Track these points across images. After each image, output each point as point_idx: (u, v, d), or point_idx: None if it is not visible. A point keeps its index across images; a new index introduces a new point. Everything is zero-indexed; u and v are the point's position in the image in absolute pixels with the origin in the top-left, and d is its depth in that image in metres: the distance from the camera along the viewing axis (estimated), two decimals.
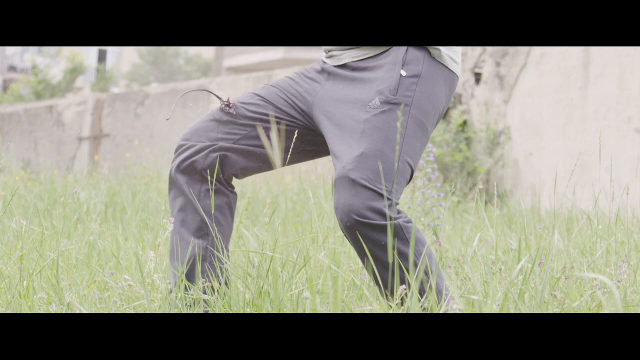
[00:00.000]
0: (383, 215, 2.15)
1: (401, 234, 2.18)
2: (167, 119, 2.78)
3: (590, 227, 3.24)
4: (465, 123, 7.88)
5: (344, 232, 2.19)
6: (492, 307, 1.99)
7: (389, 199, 2.17)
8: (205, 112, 11.25)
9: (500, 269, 2.53)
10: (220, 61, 22.55)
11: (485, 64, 7.90)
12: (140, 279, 2.41)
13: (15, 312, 2.26)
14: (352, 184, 2.17)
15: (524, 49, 7.53)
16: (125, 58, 41.36)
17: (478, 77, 7.99)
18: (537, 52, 7.40)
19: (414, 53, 2.33)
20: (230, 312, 2.21)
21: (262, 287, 2.10)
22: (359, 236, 2.14)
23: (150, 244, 3.57)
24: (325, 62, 2.42)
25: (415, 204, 4.05)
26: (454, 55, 2.41)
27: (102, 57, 40.42)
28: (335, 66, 2.39)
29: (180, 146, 2.38)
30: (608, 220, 3.58)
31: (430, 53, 2.34)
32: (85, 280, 2.66)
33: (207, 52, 40.26)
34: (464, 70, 8.02)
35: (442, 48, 2.36)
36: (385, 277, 2.16)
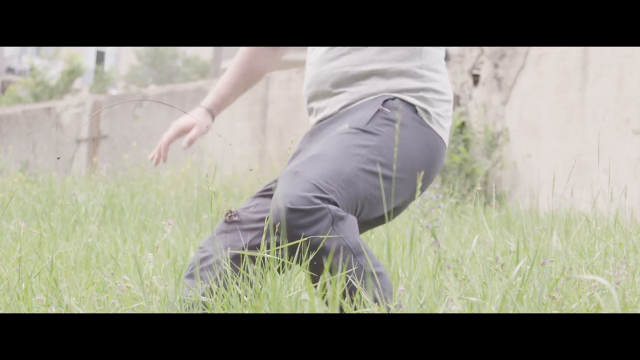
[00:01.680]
0: (315, 203, 2.09)
1: (330, 226, 2.10)
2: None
3: (589, 229, 3.24)
4: (463, 124, 7.89)
5: (273, 231, 2.11)
6: (491, 309, 1.99)
7: (324, 192, 2.11)
8: None
9: (503, 265, 2.54)
10: (218, 63, 22.56)
11: (483, 65, 7.91)
12: (139, 281, 2.41)
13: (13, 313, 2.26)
14: (293, 176, 2.15)
15: (522, 50, 7.53)
16: (123, 60, 41.35)
17: (476, 79, 8.00)
18: (535, 53, 7.40)
19: (397, 103, 2.31)
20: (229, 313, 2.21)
21: (261, 289, 2.10)
22: (288, 228, 2.08)
23: (148, 245, 3.56)
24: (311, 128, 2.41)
25: (414, 205, 4.05)
26: (442, 121, 2.37)
27: (100, 59, 40.42)
28: (318, 121, 2.40)
29: (198, 257, 2.30)
30: (606, 221, 3.59)
31: (416, 110, 2.31)
32: (84, 282, 2.66)
33: (205, 54, 40.26)
34: (462, 72, 8.02)
35: (430, 109, 2.33)
36: (317, 278, 2.11)
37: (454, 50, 8.07)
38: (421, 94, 2.35)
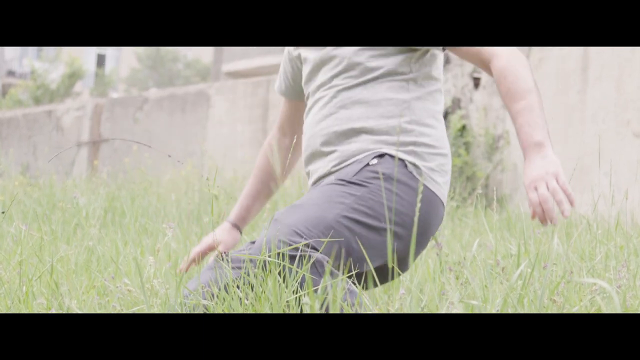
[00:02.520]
0: (296, 249, 2.08)
1: (314, 270, 2.09)
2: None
3: (590, 232, 3.24)
4: (463, 127, 7.88)
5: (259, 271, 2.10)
6: (492, 312, 1.99)
7: (305, 238, 2.09)
8: (205, 117, 11.26)
9: (503, 269, 2.53)
10: (219, 65, 22.56)
11: None
12: (140, 284, 2.41)
13: None
14: (274, 223, 2.15)
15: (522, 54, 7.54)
16: (123, 62, 41.36)
17: (477, 82, 8.00)
18: (536, 56, 7.40)
19: (387, 160, 2.28)
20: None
21: (262, 292, 2.10)
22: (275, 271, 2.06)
23: (149, 248, 3.56)
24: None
25: None
26: (436, 175, 2.33)
27: (100, 62, 40.43)
28: (313, 182, 2.41)
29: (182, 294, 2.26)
30: (607, 224, 3.59)
31: (406, 165, 2.29)
32: (84, 285, 2.66)
33: (205, 57, 40.28)
34: (463, 75, 8.02)
35: (420, 163, 2.31)
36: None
37: None
38: (411, 147, 2.31)
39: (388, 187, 2.24)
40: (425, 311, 2.30)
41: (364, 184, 2.24)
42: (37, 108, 14.26)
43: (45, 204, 5.63)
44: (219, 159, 10.53)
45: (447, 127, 7.93)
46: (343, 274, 2.14)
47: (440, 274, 2.69)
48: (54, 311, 2.26)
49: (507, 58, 2.24)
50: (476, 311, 1.95)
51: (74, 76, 27.41)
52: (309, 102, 2.49)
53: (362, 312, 2.08)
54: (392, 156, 2.29)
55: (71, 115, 13.13)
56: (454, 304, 1.93)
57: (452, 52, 2.36)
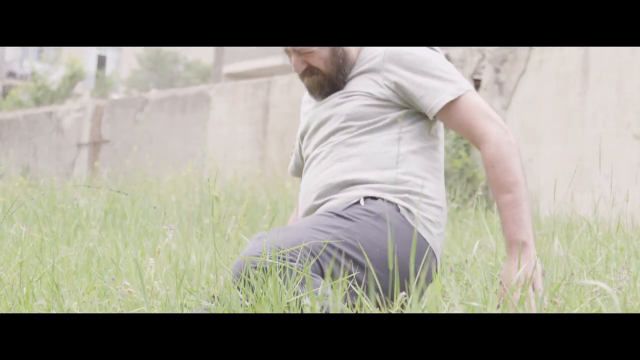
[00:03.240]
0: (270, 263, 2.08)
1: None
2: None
3: (590, 234, 3.24)
4: None
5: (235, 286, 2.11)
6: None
7: (282, 252, 2.10)
8: (205, 118, 11.26)
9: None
10: (220, 67, 22.56)
11: (485, 70, 7.91)
12: (140, 286, 2.41)
13: None
14: (256, 240, 2.16)
15: (523, 55, 7.53)
16: (124, 64, 41.37)
17: (477, 84, 8.00)
18: (536, 58, 7.40)
19: (380, 202, 2.28)
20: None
21: (262, 294, 2.10)
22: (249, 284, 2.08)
23: (149, 250, 3.56)
24: None
25: None
26: (430, 225, 2.32)
27: (101, 63, 40.43)
28: None
29: None
30: (607, 226, 3.58)
31: (398, 209, 2.28)
32: (85, 286, 2.66)
33: (206, 58, 40.28)
34: (464, 77, 8.05)
35: (414, 209, 2.29)
36: None
37: (455, 55, 8.07)
38: (405, 195, 2.31)
39: (377, 226, 2.23)
40: (426, 312, 2.29)
41: (352, 218, 2.24)
42: (38, 109, 14.27)
43: (45, 205, 5.63)
44: (219, 160, 10.53)
45: (448, 129, 7.93)
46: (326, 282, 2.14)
47: (440, 276, 2.69)
48: (54, 312, 2.26)
49: (497, 146, 2.28)
50: (476, 313, 1.95)
51: (74, 77, 27.41)
52: (306, 162, 2.49)
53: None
54: (385, 200, 2.29)
55: (72, 117, 13.13)
56: (454, 306, 1.93)
57: (443, 121, 2.39)
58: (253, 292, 2.09)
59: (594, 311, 2.19)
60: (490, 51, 7.75)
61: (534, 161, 7.40)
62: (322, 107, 2.45)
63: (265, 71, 20.54)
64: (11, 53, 37.43)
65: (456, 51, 8.08)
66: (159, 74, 39.95)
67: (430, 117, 2.36)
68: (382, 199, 2.29)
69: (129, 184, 7.77)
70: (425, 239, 2.30)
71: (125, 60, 41.51)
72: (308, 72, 2.43)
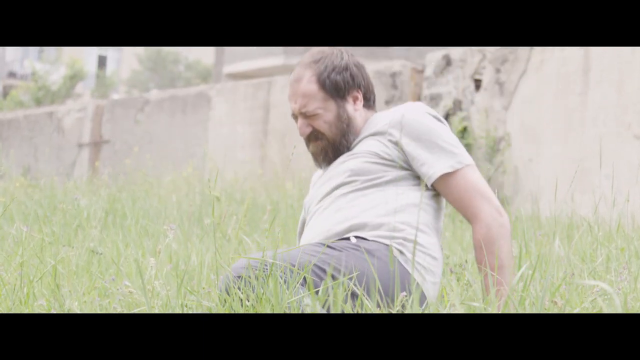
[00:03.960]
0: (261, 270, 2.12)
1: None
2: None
3: (591, 234, 3.24)
4: (465, 129, 7.88)
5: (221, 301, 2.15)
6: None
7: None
8: (206, 118, 11.26)
9: None
10: (220, 67, 22.56)
11: (485, 70, 7.91)
12: (141, 286, 2.41)
13: None
14: (241, 258, 2.20)
15: (523, 56, 7.53)
16: (124, 64, 41.37)
17: (478, 84, 8.00)
18: (537, 59, 7.40)
19: (372, 242, 2.29)
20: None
21: (263, 294, 2.10)
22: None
23: (150, 250, 3.56)
24: None
25: None
26: (424, 272, 2.31)
27: (101, 63, 40.44)
28: None
29: None
30: (608, 226, 3.58)
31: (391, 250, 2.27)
32: (85, 286, 2.66)
33: (206, 58, 40.28)
34: (464, 77, 8.03)
35: (408, 254, 2.30)
36: None
37: (455, 55, 8.07)
38: (400, 240, 2.32)
39: (364, 258, 2.23)
40: (427, 312, 2.29)
41: (341, 249, 2.26)
42: (38, 109, 14.27)
43: (46, 206, 5.63)
44: (220, 161, 10.53)
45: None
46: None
47: (441, 276, 2.69)
48: (54, 312, 2.26)
49: (488, 228, 2.33)
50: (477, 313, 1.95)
51: (75, 77, 27.42)
52: (309, 216, 2.53)
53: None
54: (378, 242, 2.30)
55: (72, 117, 13.13)
56: (455, 306, 1.93)
57: (439, 191, 2.43)
58: (254, 292, 2.09)
59: (594, 311, 2.19)
60: (491, 51, 7.75)
61: (534, 161, 7.40)
62: (328, 169, 2.52)
63: (266, 71, 20.53)
64: (12, 53, 37.43)
65: (457, 51, 8.08)
66: (160, 74, 39.95)
67: (428, 184, 2.41)
68: (376, 241, 2.31)
69: (129, 184, 7.77)
70: (418, 283, 2.30)
71: (126, 60, 41.51)
72: (313, 137, 2.51)
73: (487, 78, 7.88)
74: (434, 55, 8.19)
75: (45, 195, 6.15)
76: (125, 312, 2.32)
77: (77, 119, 13.03)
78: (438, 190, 2.42)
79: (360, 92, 2.50)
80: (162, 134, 11.80)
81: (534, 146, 7.42)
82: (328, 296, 2.10)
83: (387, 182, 2.40)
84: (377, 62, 10.15)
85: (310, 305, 2.00)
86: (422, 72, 8.51)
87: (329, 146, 2.49)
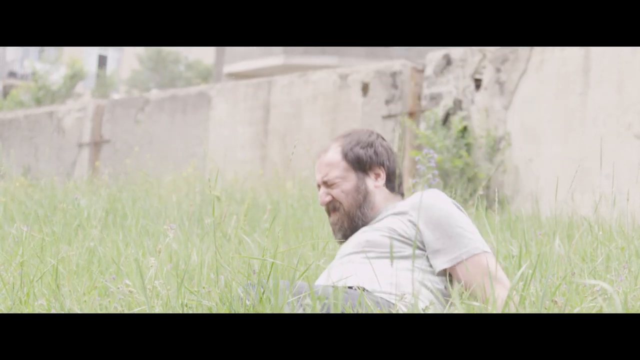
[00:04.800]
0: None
1: None
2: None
3: (591, 233, 3.24)
4: (465, 129, 7.88)
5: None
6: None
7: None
8: (206, 118, 11.26)
9: (505, 269, 2.53)
10: (220, 67, 22.58)
11: (485, 70, 7.91)
12: (141, 285, 2.41)
13: None
14: None
15: (523, 55, 7.53)
16: (125, 64, 41.38)
17: (478, 83, 8.00)
18: (537, 58, 7.41)
19: (366, 295, 2.31)
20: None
21: (263, 294, 2.10)
22: None
23: (150, 250, 3.56)
24: None
25: None
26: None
27: (102, 63, 40.45)
28: None
29: None
30: (608, 226, 3.59)
31: (390, 304, 2.29)
32: (86, 286, 2.66)
33: (207, 58, 40.28)
34: (464, 76, 8.03)
35: (404, 309, 2.30)
36: None
37: (456, 55, 8.07)
38: (394, 300, 2.34)
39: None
40: (427, 312, 2.29)
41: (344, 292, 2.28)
42: (39, 109, 14.28)
43: (46, 205, 5.64)
44: (220, 160, 10.54)
45: (449, 128, 7.94)
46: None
47: None
48: (54, 312, 2.26)
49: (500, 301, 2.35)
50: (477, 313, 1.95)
51: (75, 77, 27.42)
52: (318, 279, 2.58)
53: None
54: (373, 294, 2.33)
55: (72, 117, 13.14)
56: (455, 305, 1.93)
57: (452, 275, 2.46)
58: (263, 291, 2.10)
59: (594, 311, 2.19)
60: (491, 51, 7.75)
61: (534, 161, 7.41)
62: (350, 239, 2.58)
63: (266, 71, 20.54)
64: (12, 53, 37.44)
65: (457, 51, 8.08)
66: (160, 74, 39.97)
67: (440, 269, 2.44)
68: (372, 293, 2.34)
69: (129, 184, 7.77)
70: None
71: (126, 60, 41.52)
72: (332, 207, 2.60)
73: (487, 78, 7.88)
74: (434, 54, 8.19)
75: (45, 195, 6.15)
76: (126, 311, 2.32)
77: (78, 118, 13.04)
78: (451, 273, 2.46)
79: (383, 170, 2.60)
80: (163, 134, 11.80)
81: (534, 146, 7.43)
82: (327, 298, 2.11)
83: (401, 258, 2.45)
84: (378, 61, 10.15)
85: (311, 305, 2.00)
86: (422, 71, 8.52)
87: (345, 216, 2.58)
